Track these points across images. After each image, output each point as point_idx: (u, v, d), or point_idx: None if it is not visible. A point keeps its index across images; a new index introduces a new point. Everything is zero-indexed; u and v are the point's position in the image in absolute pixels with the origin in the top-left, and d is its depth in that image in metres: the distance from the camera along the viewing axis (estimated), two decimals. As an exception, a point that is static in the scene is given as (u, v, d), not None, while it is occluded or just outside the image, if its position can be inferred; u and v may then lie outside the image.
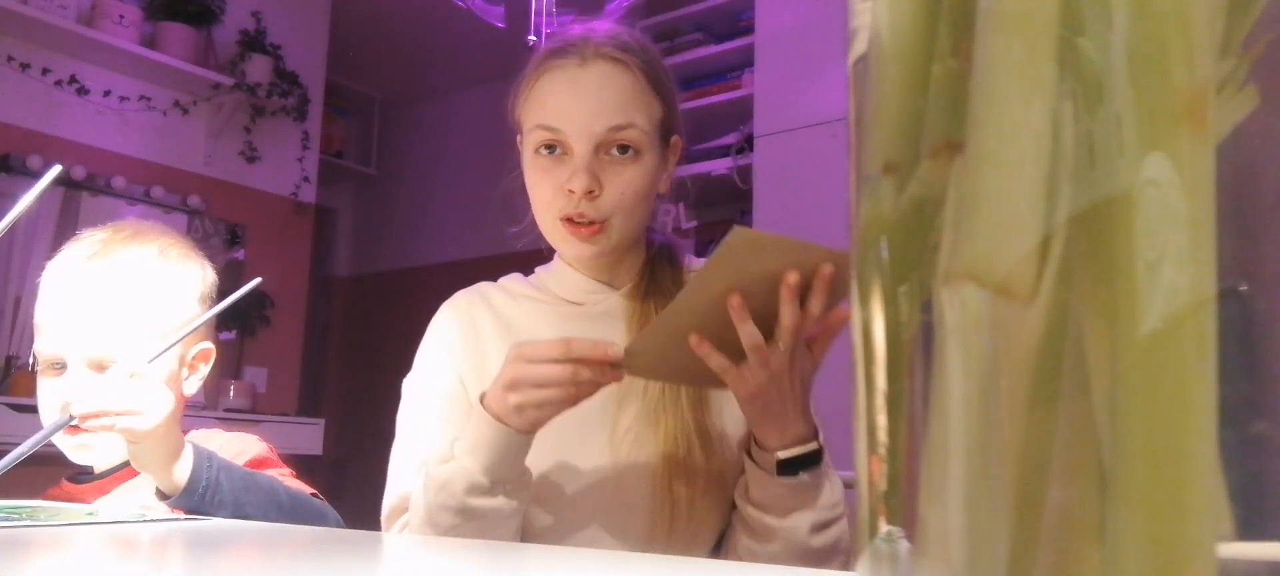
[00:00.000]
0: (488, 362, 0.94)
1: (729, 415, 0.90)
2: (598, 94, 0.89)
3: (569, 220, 0.90)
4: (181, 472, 0.85)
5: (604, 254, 0.94)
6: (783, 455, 0.81)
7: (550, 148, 0.91)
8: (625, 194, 0.90)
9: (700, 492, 0.87)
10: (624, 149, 0.90)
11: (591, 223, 0.90)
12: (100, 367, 0.96)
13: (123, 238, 1.02)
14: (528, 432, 0.79)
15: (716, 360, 0.76)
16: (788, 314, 0.73)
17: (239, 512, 0.86)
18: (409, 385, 0.98)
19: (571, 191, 0.89)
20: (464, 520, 0.80)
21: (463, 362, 0.95)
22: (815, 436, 0.83)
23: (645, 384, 0.89)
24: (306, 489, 0.98)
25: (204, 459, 0.86)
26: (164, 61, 3.22)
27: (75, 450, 0.99)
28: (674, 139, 0.98)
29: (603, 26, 0.95)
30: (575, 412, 0.80)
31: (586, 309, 0.96)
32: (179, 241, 1.07)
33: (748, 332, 0.73)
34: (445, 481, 0.81)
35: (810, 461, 0.82)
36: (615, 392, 0.88)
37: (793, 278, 0.72)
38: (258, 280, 0.93)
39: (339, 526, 0.93)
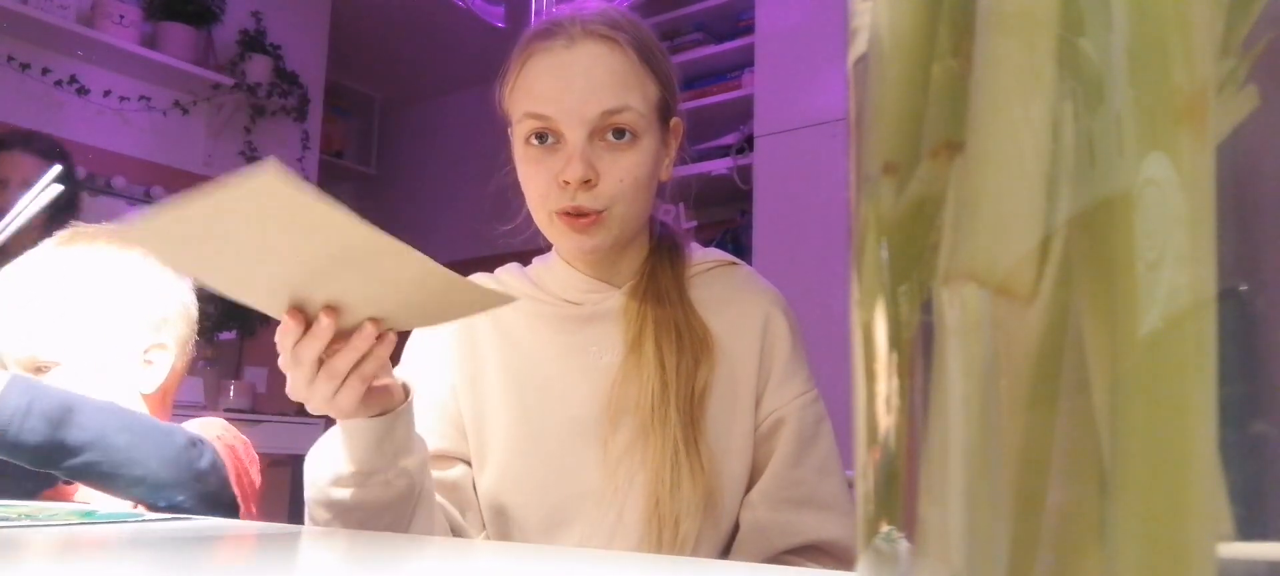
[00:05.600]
0: (483, 373, 0.91)
1: (715, 432, 0.87)
2: (588, 76, 0.84)
3: (566, 213, 0.85)
4: None
5: (603, 247, 0.88)
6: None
7: (541, 137, 0.86)
8: (625, 181, 0.85)
9: (686, 511, 0.83)
10: (620, 133, 0.85)
11: (589, 214, 0.85)
12: (33, 367, 0.95)
13: (63, 241, 1.01)
14: (353, 415, 0.73)
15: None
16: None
17: (61, 433, 0.80)
18: None
19: (566, 183, 0.84)
20: (334, 515, 0.77)
21: (455, 373, 0.92)
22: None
23: (637, 402, 0.86)
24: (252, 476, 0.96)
25: (14, 388, 0.80)
26: (164, 61, 3.22)
27: None
28: (674, 122, 0.92)
29: (591, 5, 0.89)
30: (569, 430, 0.75)
31: (585, 308, 0.92)
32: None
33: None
34: (314, 477, 0.78)
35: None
36: (608, 411, 0.86)
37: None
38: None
39: (191, 450, 0.86)
